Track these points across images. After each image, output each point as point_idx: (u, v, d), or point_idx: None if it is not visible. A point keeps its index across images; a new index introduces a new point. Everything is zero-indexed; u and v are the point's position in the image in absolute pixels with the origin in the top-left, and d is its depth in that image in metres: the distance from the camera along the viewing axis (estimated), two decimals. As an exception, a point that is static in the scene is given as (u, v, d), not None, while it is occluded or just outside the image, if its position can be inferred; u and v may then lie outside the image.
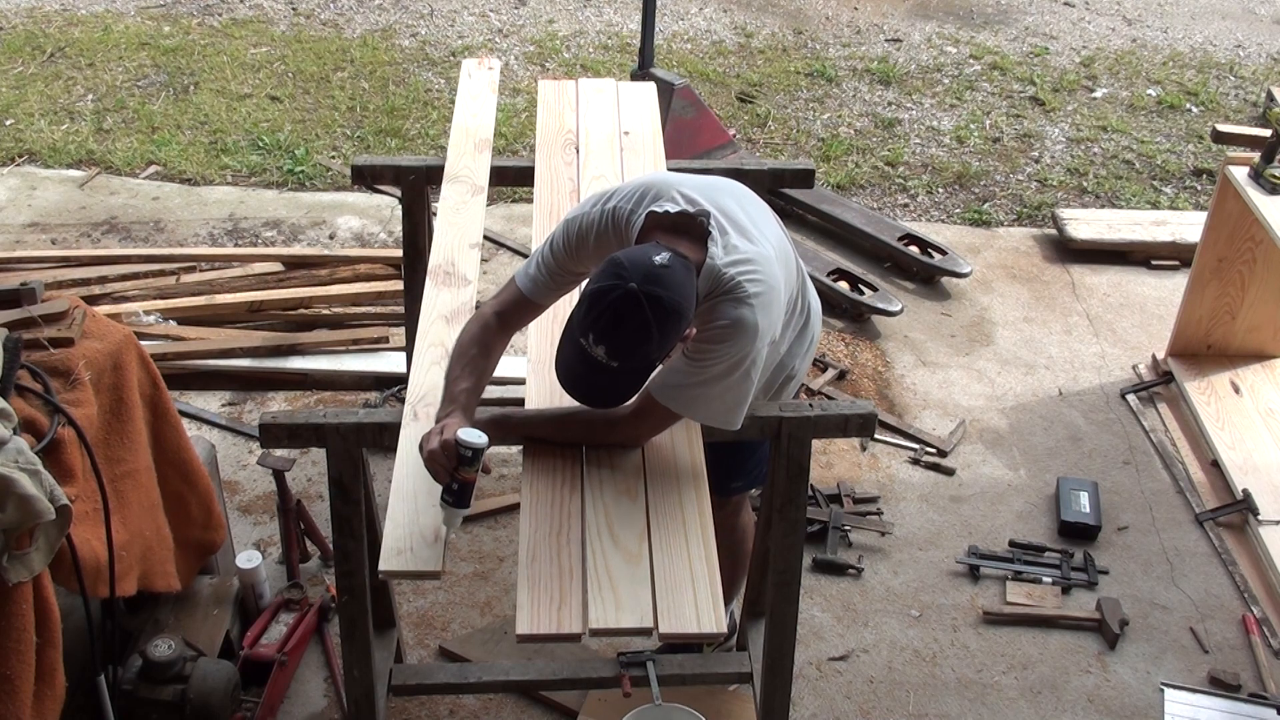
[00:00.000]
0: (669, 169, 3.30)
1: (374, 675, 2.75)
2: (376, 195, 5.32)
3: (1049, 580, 3.72)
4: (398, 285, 4.60)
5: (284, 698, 3.24)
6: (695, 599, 2.10)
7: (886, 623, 3.58)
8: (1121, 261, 5.34)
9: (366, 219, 5.42)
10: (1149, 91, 6.97)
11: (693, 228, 2.32)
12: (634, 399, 2.36)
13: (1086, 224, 5.42)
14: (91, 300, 4.45)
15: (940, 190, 5.90)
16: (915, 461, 4.20)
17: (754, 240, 2.35)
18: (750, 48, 7.32)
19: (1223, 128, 4.49)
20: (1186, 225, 5.36)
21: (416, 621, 3.50)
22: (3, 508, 2.19)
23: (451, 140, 3.47)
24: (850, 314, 4.89)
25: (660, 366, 2.35)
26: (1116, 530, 3.94)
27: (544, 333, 2.70)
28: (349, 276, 4.83)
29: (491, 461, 4.05)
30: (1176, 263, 5.28)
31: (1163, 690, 3.38)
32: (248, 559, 3.34)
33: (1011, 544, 3.86)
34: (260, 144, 5.94)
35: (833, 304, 4.93)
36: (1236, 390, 4.44)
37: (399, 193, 3.53)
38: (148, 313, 4.51)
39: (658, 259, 2.16)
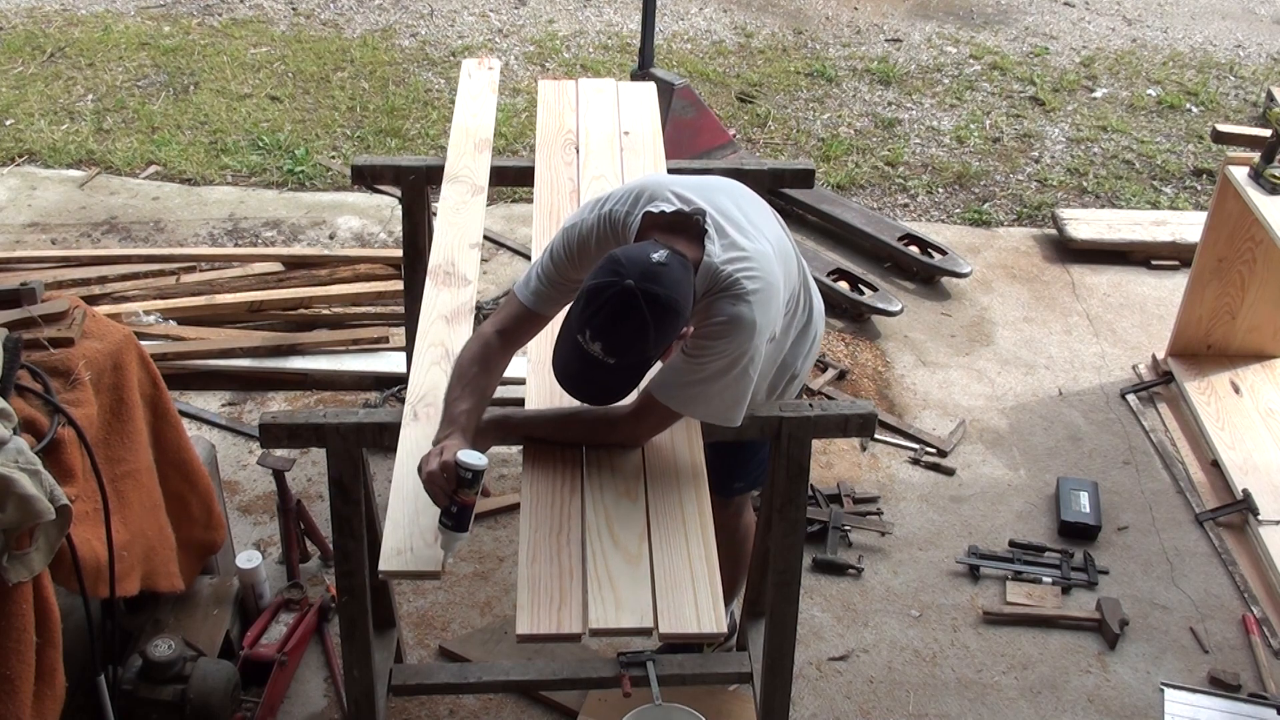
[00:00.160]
0: (669, 169, 3.31)
1: (374, 675, 2.75)
2: (376, 195, 5.32)
3: (1049, 580, 3.72)
4: (398, 285, 4.60)
5: (284, 698, 3.24)
6: (695, 599, 2.10)
7: (886, 623, 3.58)
8: (1121, 261, 5.34)
9: (366, 219, 5.42)
10: (1149, 91, 6.97)
11: (689, 226, 2.32)
12: (633, 398, 2.37)
13: (1086, 224, 5.42)
14: (91, 300, 4.45)
15: (940, 190, 5.90)
16: (915, 461, 4.20)
17: (751, 237, 2.36)
18: (750, 48, 7.32)
19: (1223, 128, 4.49)
20: (1186, 225, 5.36)
21: (416, 621, 3.50)
22: (3, 508, 2.19)
23: (451, 140, 3.47)
24: (850, 314, 4.89)
25: (659, 365, 2.35)
26: (1116, 530, 3.94)
27: (544, 333, 2.70)
28: (349, 276, 4.83)
29: (492, 461, 4.06)
30: (1176, 263, 5.28)
31: (1163, 690, 3.38)
32: (248, 559, 3.34)
33: (1011, 544, 3.86)
34: (260, 144, 5.94)
35: (833, 304, 4.93)
36: (1236, 390, 4.44)
37: (399, 193, 3.53)
38: (148, 313, 4.51)
39: (655, 256, 2.16)
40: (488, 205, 3.28)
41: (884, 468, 4.17)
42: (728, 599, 3.24)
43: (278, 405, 4.31)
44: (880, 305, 4.83)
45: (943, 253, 5.17)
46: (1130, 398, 4.53)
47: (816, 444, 2.95)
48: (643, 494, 2.31)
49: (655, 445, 2.42)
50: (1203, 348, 4.56)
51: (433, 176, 3.40)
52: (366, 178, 3.51)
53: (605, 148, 3.42)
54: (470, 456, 2.12)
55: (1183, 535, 3.94)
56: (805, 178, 3.53)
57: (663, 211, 2.34)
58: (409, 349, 3.06)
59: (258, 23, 7.29)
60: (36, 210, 5.37)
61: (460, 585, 3.62)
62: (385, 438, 2.43)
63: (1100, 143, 6.38)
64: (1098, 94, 6.93)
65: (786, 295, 2.46)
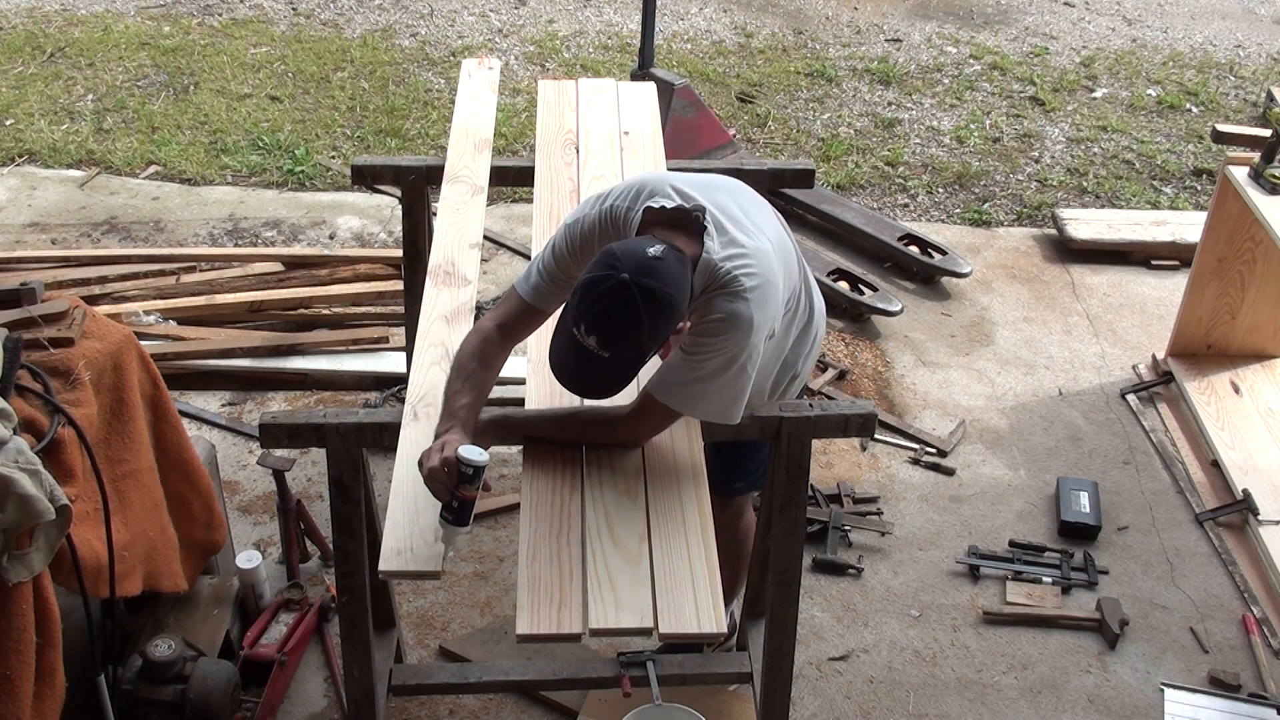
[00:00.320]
0: (669, 169, 3.31)
1: (374, 675, 2.75)
2: (376, 195, 5.33)
3: (1049, 580, 3.72)
4: (398, 285, 4.60)
5: (284, 698, 3.24)
6: (695, 599, 2.10)
7: (886, 623, 3.58)
8: (1121, 261, 5.34)
9: (366, 219, 5.42)
10: (1149, 91, 6.97)
11: (689, 223, 2.33)
12: (634, 399, 2.37)
13: (1086, 224, 5.42)
14: (91, 300, 4.45)
15: (940, 190, 5.90)
16: (915, 461, 4.20)
17: (751, 235, 2.36)
18: (750, 48, 7.32)
19: (1223, 128, 4.49)
20: (1186, 225, 5.36)
21: (416, 621, 3.50)
22: (3, 508, 2.19)
23: (451, 140, 3.47)
24: (850, 314, 4.89)
25: (660, 362, 2.35)
26: (1116, 530, 3.94)
27: (543, 333, 2.70)
28: (349, 276, 4.83)
29: (492, 461, 4.06)
30: (1176, 263, 5.28)
31: (1163, 690, 3.38)
32: (248, 559, 3.34)
33: (1011, 544, 3.86)
34: (260, 144, 5.94)
35: (833, 304, 4.92)
36: (1236, 390, 4.44)
37: (399, 193, 3.53)
38: (148, 313, 4.51)
39: (651, 250, 2.17)
40: (488, 205, 3.28)
41: (884, 468, 4.17)
42: (727, 599, 3.24)
43: (278, 405, 4.31)
44: (880, 305, 4.83)
45: (943, 253, 5.17)
46: (1130, 398, 4.53)
47: (816, 444, 2.95)
48: (643, 493, 2.31)
49: (655, 445, 2.42)
50: (1203, 348, 4.56)
51: (433, 176, 3.40)
52: (366, 178, 3.51)
53: (605, 148, 3.42)
54: (471, 452, 2.12)
55: (1183, 535, 3.94)
56: (805, 178, 3.53)
57: (663, 207, 2.34)
58: (409, 349, 3.06)
59: (258, 23, 7.29)
60: (36, 210, 5.37)
61: (460, 585, 3.62)
62: (385, 438, 2.43)
63: (1100, 143, 6.38)
64: (1098, 94, 6.93)
65: (787, 294, 2.46)
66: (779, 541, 2.64)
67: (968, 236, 5.53)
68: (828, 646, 3.49)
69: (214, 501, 3.13)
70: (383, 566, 2.15)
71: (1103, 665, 3.49)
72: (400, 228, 3.79)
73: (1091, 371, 4.69)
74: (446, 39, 7.19)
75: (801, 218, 5.48)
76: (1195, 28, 7.96)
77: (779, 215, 2.58)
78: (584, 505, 2.27)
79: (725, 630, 2.29)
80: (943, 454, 4.22)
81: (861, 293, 4.90)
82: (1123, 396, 4.54)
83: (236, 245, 5.18)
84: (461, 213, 3.13)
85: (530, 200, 3.30)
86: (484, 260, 4.61)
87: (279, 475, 3.40)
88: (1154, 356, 4.68)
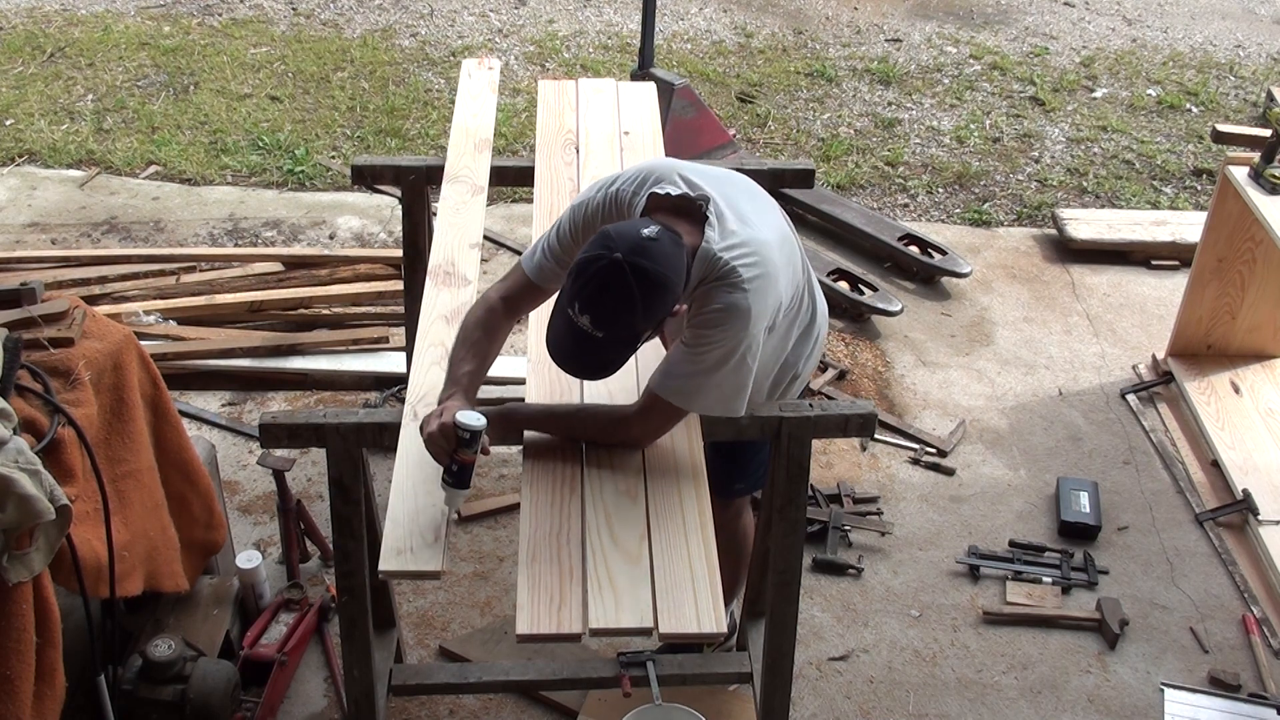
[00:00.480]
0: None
1: (374, 675, 2.75)
2: (376, 195, 5.32)
3: (1049, 580, 3.71)
4: (398, 285, 4.60)
5: (284, 698, 3.24)
6: (695, 599, 2.10)
7: (886, 623, 3.58)
8: (1121, 261, 5.34)
9: (366, 219, 5.42)
10: (1149, 91, 6.97)
11: (692, 211, 2.34)
12: (639, 398, 2.37)
13: (1086, 224, 5.42)
14: (91, 300, 4.45)
15: (940, 190, 5.90)
16: (915, 461, 4.20)
17: (753, 226, 2.36)
18: (750, 48, 7.32)
19: (1223, 128, 4.49)
20: (1186, 225, 5.36)
21: (416, 621, 3.50)
22: (3, 508, 2.19)
23: (451, 140, 3.47)
24: (850, 314, 4.89)
25: (654, 344, 2.35)
26: (1116, 530, 3.94)
27: (543, 330, 2.70)
28: (349, 276, 4.83)
29: (491, 461, 4.07)
30: (1176, 263, 5.28)
31: (1163, 690, 3.38)
32: (248, 559, 3.34)
33: (1011, 544, 3.86)
34: (260, 144, 5.94)
35: (833, 304, 4.90)
36: (1236, 390, 4.44)
37: (399, 193, 3.53)
38: (148, 313, 4.51)
39: (646, 232, 2.18)
40: (488, 205, 3.28)
41: (884, 468, 4.17)
42: (727, 599, 3.24)
43: (278, 405, 4.31)
44: (880, 305, 4.83)
45: (943, 253, 5.17)
46: (1130, 398, 4.53)
47: (816, 444, 2.95)
48: (643, 493, 2.31)
49: (655, 444, 2.42)
50: (1203, 348, 4.56)
51: (433, 176, 3.40)
52: (366, 178, 3.51)
53: (605, 148, 3.42)
54: (468, 417, 2.16)
55: (1183, 535, 3.94)
56: (805, 178, 3.54)
57: (668, 194, 2.35)
58: (409, 349, 3.06)
59: (258, 23, 7.29)
60: (36, 210, 5.37)
61: (460, 585, 3.62)
62: (385, 438, 2.43)
63: (1100, 143, 6.38)
64: (1098, 94, 6.93)
65: (791, 292, 2.46)
66: (779, 541, 2.64)
67: (968, 236, 5.53)
68: (828, 646, 3.49)
69: (214, 501, 3.13)
70: (383, 566, 2.15)
71: (1103, 665, 3.49)
72: (400, 228, 3.79)
73: (1091, 371, 4.69)
74: (446, 39, 7.19)
75: (801, 218, 5.47)
76: (1195, 28, 7.96)
77: (785, 214, 2.58)
78: (584, 505, 2.27)
79: (725, 630, 2.29)
80: (943, 454, 4.22)
81: (861, 293, 4.90)
82: (1123, 396, 4.54)
83: (236, 245, 5.18)
84: (461, 213, 3.13)
85: (530, 200, 3.30)
86: (484, 260, 4.61)
87: (279, 475, 3.40)
88: (1154, 356, 4.68)
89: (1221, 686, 3.40)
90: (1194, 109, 6.81)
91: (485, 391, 4.25)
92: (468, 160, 3.37)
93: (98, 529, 2.53)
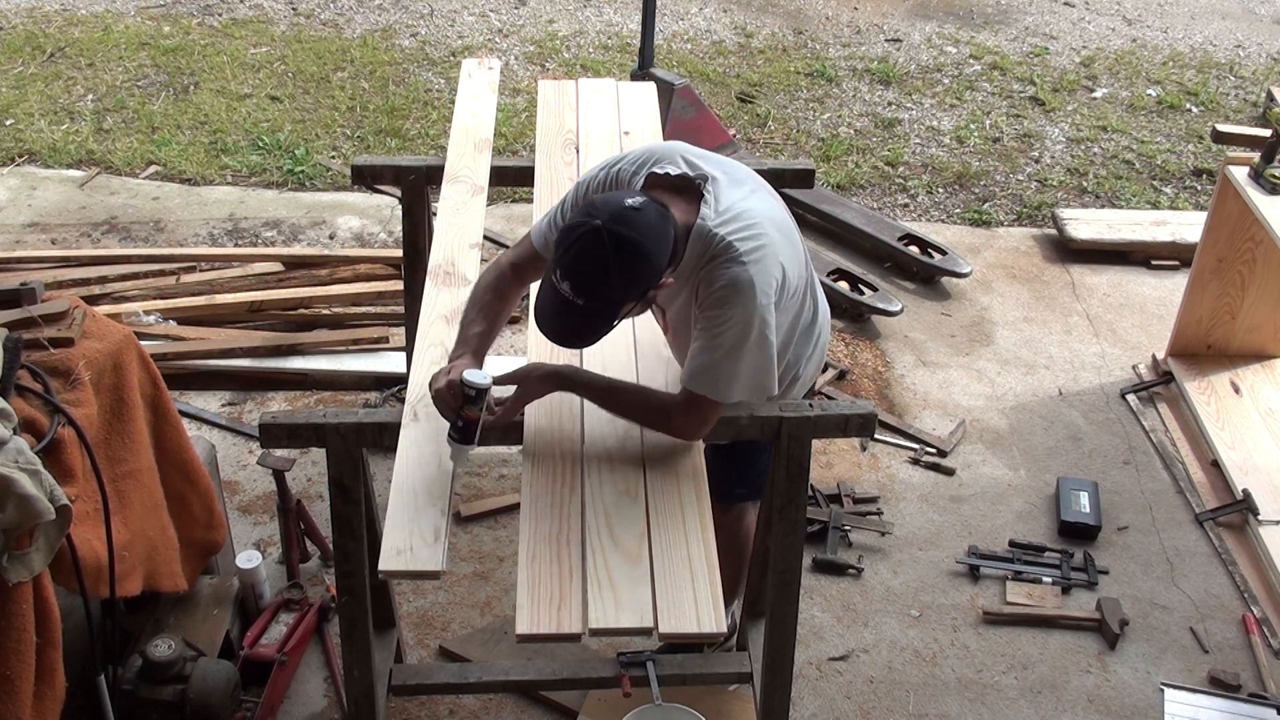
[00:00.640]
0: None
1: (374, 675, 2.75)
2: (376, 195, 5.32)
3: (1049, 580, 3.71)
4: (398, 285, 4.60)
5: (284, 698, 3.24)
6: (695, 599, 2.10)
7: (886, 623, 3.58)
8: (1121, 261, 5.34)
9: (366, 219, 5.42)
10: (1149, 91, 6.97)
11: (690, 189, 2.36)
12: (677, 394, 2.39)
13: (1086, 224, 5.42)
14: (91, 300, 4.45)
15: (940, 190, 5.90)
16: (915, 461, 4.20)
17: (749, 203, 2.37)
18: (750, 48, 7.32)
19: (1223, 128, 4.49)
20: (1186, 225, 5.36)
21: (416, 621, 3.50)
22: (3, 508, 2.19)
23: (451, 140, 3.47)
24: (850, 314, 4.89)
25: (691, 351, 2.37)
26: (1116, 530, 3.94)
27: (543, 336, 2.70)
28: (349, 276, 4.83)
29: (492, 461, 4.07)
30: (1176, 263, 5.28)
31: (1163, 690, 3.38)
32: (248, 559, 3.34)
33: (1011, 544, 3.86)
34: (260, 144, 5.94)
35: (833, 304, 4.87)
36: (1236, 390, 4.44)
37: (399, 193, 3.53)
38: (148, 313, 4.51)
39: (630, 201, 2.20)
40: (488, 205, 3.28)
41: (884, 468, 4.17)
42: (728, 600, 3.24)
43: (278, 405, 4.31)
44: (880, 305, 4.83)
45: (943, 253, 5.17)
46: (1130, 398, 4.53)
47: (816, 444, 2.95)
48: (643, 493, 2.31)
49: (655, 445, 2.42)
50: (1203, 348, 4.56)
51: (433, 176, 3.40)
52: (366, 178, 3.51)
53: (605, 148, 3.42)
54: (474, 375, 2.24)
55: (1183, 535, 3.94)
56: (805, 178, 3.53)
57: (667, 173, 2.38)
58: (409, 349, 3.06)
59: (258, 23, 7.29)
60: (36, 210, 5.37)
61: (460, 585, 3.62)
62: (385, 438, 2.43)
63: (1100, 143, 6.38)
64: (1098, 94, 6.93)
65: (795, 271, 2.45)
66: (779, 541, 2.64)
67: (968, 236, 5.53)
68: (828, 646, 3.49)
69: (214, 501, 3.13)
70: (383, 566, 2.15)
71: (1103, 665, 3.49)
72: (400, 228, 3.79)
73: (1091, 371, 4.69)
74: (446, 39, 7.19)
75: (801, 218, 5.45)
76: (1195, 28, 7.96)
77: (788, 210, 2.59)
78: (584, 505, 2.27)
79: (725, 630, 2.29)
80: (943, 454, 4.22)
81: (861, 293, 4.90)
82: (1123, 396, 4.54)
83: (236, 245, 5.18)
84: (461, 213, 3.13)
85: (530, 200, 3.30)
86: (484, 260, 4.61)
87: (279, 475, 3.40)
88: (1154, 356, 4.68)
89: (1221, 686, 3.40)
90: (1194, 109, 6.81)
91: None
92: (468, 160, 3.37)
93: (98, 529, 2.53)
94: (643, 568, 2.15)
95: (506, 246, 5.18)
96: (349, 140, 6.03)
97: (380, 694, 2.83)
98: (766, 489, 2.80)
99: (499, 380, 2.34)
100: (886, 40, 7.52)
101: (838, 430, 2.56)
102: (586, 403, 2.49)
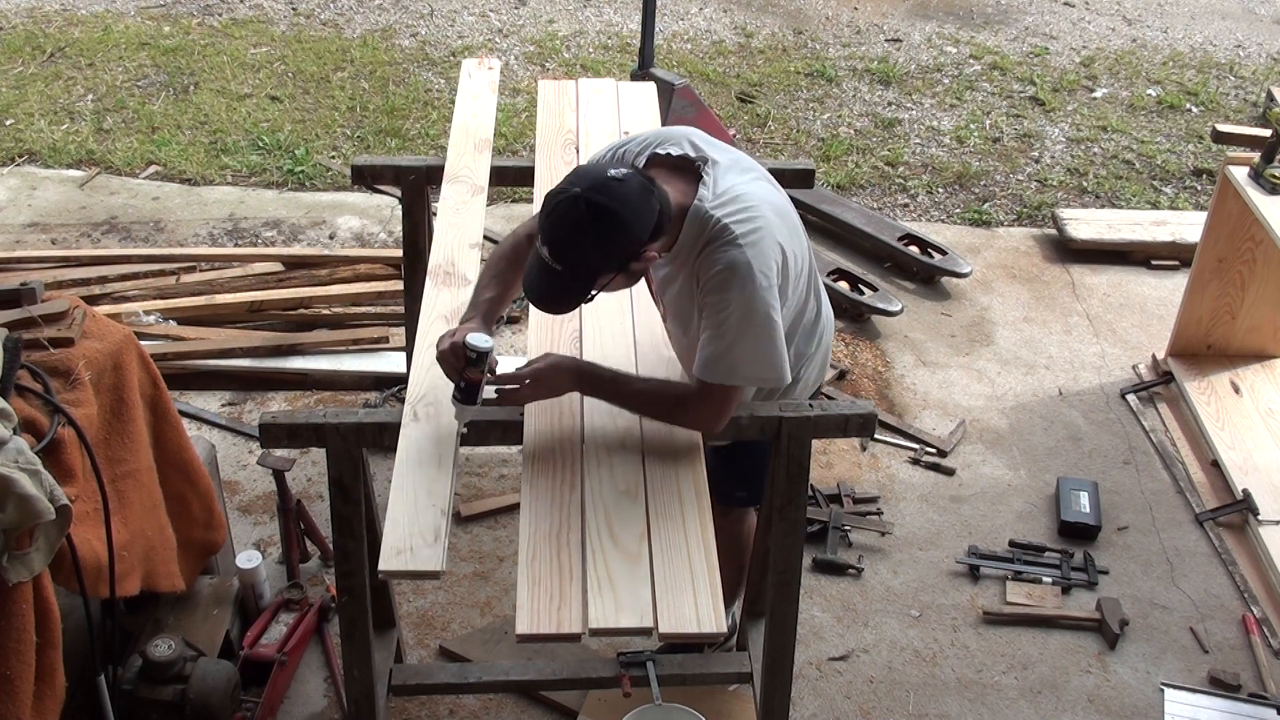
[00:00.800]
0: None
1: (374, 675, 2.75)
2: (376, 195, 5.32)
3: (1049, 580, 3.72)
4: (398, 285, 4.61)
5: (284, 698, 3.24)
6: (695, 599, 2.10)
7: (886, 623, 3.58)
8: (1121, 261, 5.34)
9: (366, 219, 5.42)
10: (1149, 91, 6.97)
11: (690, 170, 2.37)
12: (692, 385, 2.41)
13: (1086, 224, 5.42)
14: (91, 300, 4.45)
15: (940, 190, 5.90)
16: (915, 461, 4.20)
17: (749, 187, 2.38)
18: (750, 48, 7.32)
19: (1223, 128, 4.49)
20: (1186, 225, 5.36)
21: (416, 621, 3.50)
22: (3, 508, 2.19)
23: (451, 140, 3.47)
24: (850, 314, 4.89)
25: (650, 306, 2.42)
26: (1116, 530, 3.94)
27: (544, 329, 2.70)
28: (349, 276, 4.83)
29: (492, 461, 4.07)
30: (1176, 263, 5.28)
31: (1163, 690, 3.38)
32: (248, 559, 3.34)
33: (1011, 544, 3.86)
34: (260, 144, 5.94)
35: (833, 304, 4.88)
36: (1236, 390, 4.44)
37: (399, 193, 3.53)
38: (148, 313, 4.51)
39: (613, 172, 2.22)
40: (488, 205, 3.28)
41: (884, 468, 4.17)
42: (728, 601, 3.24)
43: (278, 405, 4.31)
44: (880, 305, 4.83)
45: (943, 253, 5.17)
46: (1130, 398, 4.53)
47: (816, 444, 2.95)
48: (643, 493, 2.31)
49: (655, 444, 2.42)
50: (1203, 348, 4.56)
51: (433, 176, 3.40)
52: (366, 178, 3.51)
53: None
54: (476, 339, 2.31)
55: (1183, 535, 3.94)
56: (805, 178, 3.53)
57: (669, 154, 2.39)
58: (409, 349, 3.06)
59: (258, 23, 7.29)
60: (36, 210, 5.37)
61: (460, 585, 3.62)
62: (385, 438, 2.43)
63: (1100, 143, 6.38)
64: (1098, 94, 6.93)
65: (796, 254, 2.44)
66: (779, 541, 2.64)
67: (968, 236, 5.53)
68: (828, 646, 3.49)
69: (214, 501, 3.13)
70: (383, 566, 2.15)
71: (1103, 665, 3.49)
72: (400, 228, 3.79)
73: (1091, 371, 4.69)
74: (446, 39, 7.19)
75: (802, 218, 5.42)
76: (1195, 28, 7.96)
77: (790, 204, 2.59)
78: (584, 505, 2.27)
79: (725, 630, 2.29)
80: (943, 454, 4.22)
81: (861, 293, 4.90)
82: (1123, 396, 4.54)
83: (236, 245, 5.18)
84: (461, 213, 3.13)
85: (530, 200, 3.30)
86: (484, 260, 4.62)
87: (279, 475, 3.40)
88: (1154, 356, 4.68)
89: (1221, 686, 3.40)
90: (1194, 109, 6.81)
91: (486, 390, 4.27)
92: (468, 160, 3.37)
93: (97, 529, 2.53)
94: (643, 568, 2.15)
95: (506, 246, 5.18)
96: (349, 140, 6.03)
97: (380, 694, 2.83)
98: (767, 491, 2.80)
99: (519, 372, 2.38)
100: (886, 40, 7.52)
101: (838, 430, 2.56)
102: (587, 401, 2.49)
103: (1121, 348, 4.82)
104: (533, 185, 3.29)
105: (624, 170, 2.24)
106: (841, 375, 4.57)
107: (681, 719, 2.79)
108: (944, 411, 4.45)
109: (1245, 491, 3.94)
